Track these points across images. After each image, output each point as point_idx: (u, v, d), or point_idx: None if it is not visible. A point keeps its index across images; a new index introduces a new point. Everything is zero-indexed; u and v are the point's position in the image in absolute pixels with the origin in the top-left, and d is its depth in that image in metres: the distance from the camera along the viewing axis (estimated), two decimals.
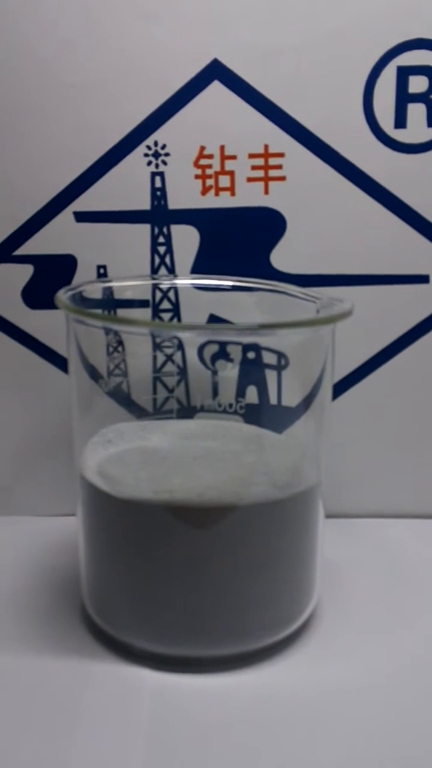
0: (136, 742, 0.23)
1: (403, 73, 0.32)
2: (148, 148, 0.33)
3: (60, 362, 0.36)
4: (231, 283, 0.33)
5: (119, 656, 0.27)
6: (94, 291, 0.32)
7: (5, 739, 0.23)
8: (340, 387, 0.36)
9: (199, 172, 0.33)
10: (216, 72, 0.32)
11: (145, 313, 0.35)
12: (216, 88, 0.32)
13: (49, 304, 0.35)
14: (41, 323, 0.36)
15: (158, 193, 0.34)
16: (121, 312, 0.34)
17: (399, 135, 0.33)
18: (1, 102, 0.32)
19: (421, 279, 0.34)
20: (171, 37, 0.32)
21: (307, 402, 0.29)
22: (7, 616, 0.30)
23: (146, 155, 0.33)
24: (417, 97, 0.32)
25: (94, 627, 0.28)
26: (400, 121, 0.32)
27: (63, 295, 0.27)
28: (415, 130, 0.32)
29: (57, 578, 0.32)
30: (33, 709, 0.25)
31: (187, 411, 0.33)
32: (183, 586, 0.26)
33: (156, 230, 0.34)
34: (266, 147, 0.33)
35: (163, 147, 0.33)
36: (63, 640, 0.28)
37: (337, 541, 0.33)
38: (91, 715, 0.25)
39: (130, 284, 0.34)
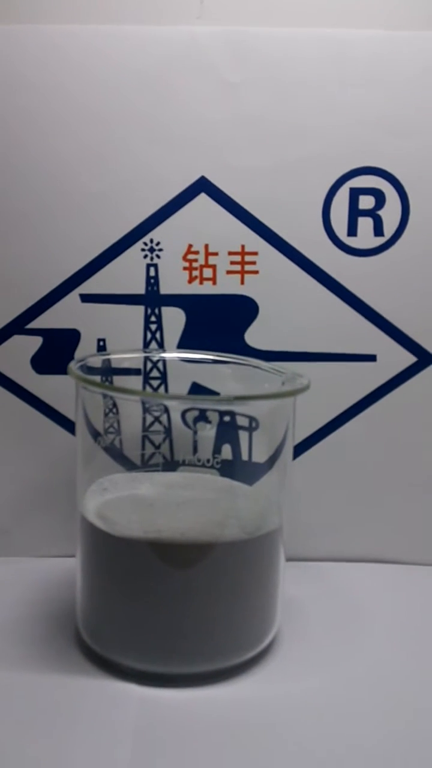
0: (124, 746, 0.27)
1: (355, 193, 0.39)
2: (145, 244, 0.39)
3: (61, 421, 0.41)
4: (211, 357, 0.39)
5: (109, 674, 0.31)
6: (96, 361, 0.38)
7: (9, 746, 0.27)
8: (303, 447, 0.42)
9: (186, 264, 0.40)
10: (203, 186, 0.39)
11: (137, 381, 0.41)
12: (202, 198, 0.39)
13: (55, 370, 0.41)
14: (47, 387, 0.41)
15: (152, 280, 0.40)
16: (117, 379, 0.40)
17: (351, 242, 0.39)
18: (27, 206, 0.39)
19: (370, 358, 0.40)
20: (168, 157, 0.38)
21: (273, 459, 0.34)
22: (9, 640, 0.34)
23: (143, 250, 0.39)
24: (366, 212, 0.39)
25: (87, 649, 0.33)
26: (352, 231, 0.39)
27: (74, 366, 0.32)
28: (364, 239, 0.39)
29: (53, 610, 0.36)
30: (33, 719, 0.29)
31: (171, 465, 0.38)
32: (166, 613, 0.31)
33: (149, 311, 0.40)
34: (243, 247, 0.39)
35: (158, 244, 0.39)
36: (59, 661, 0.32)
37: (296, 581, 0.37)
38: (85, 723, 0.28)
39: (126, 356, 0.39)
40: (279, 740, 0.28)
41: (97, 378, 0.39)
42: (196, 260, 0.40)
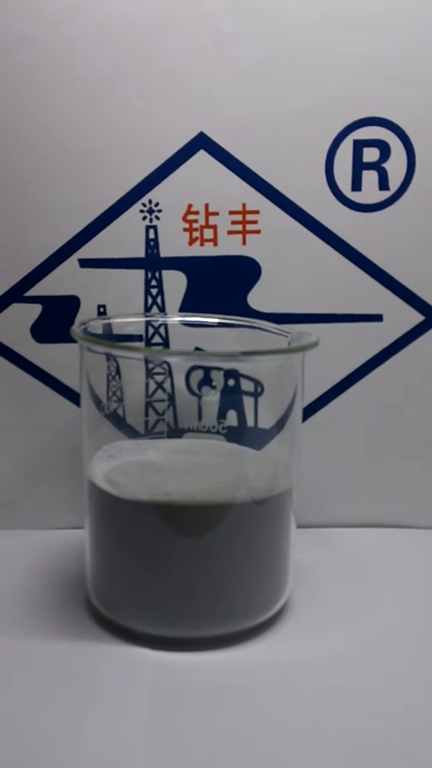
0: (141, 709, 0.27)
1: (359, 145, 0.38)
2: (144, 205, 0.38)
3: (62, 389, 0.41)
4: (214, 320, 0.38)
5: (122, 639, 0.31)
6: (97, 327, 0.37)
7: (27, 710, 0.27)
8: (310, 410, 0.41)
9: (186, 225, 0.39)
10: (202, 143, 0.38)
11: (139, 346, 0.40)
12: (202, 156, 0.38)
13: (55, 338, 0.40)
14: (47, 356, 0.40)
15: (152, 243, 0.39)
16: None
17: (355, 197, 0.38)
18: (20, 166, 0.38)
19: (376, 318, 0.40)
20: (165, 113, 0.37)
21: (281, 423, 0.34)
22: (20, 610, 0.33)
23: (142, 211, 0.38)
24: (370, 165, 0.38)
25: (99, 616, 0.32)
26: (357, 185, 0.38)
27: (77, 329, 0.32)
28: (369, 193, 0.38)
29: (63, 579, 0.36)
30: (49, 687, 0.29)
31: (176, 432, 0.38)
32: (178, 576, 0.30)
33: (149, 275, 0.39)
34: (244, 205, 0.39)
35: (157, 204, 0.38)
36: (72, 629, 0.32)
37: (306, 547, 0.37)
38: (101, 687, 0.28)
39: (127, 321, 0.39)
40: (293, 702, 0.28)
41: None
42: (196, 221, 0.39)
